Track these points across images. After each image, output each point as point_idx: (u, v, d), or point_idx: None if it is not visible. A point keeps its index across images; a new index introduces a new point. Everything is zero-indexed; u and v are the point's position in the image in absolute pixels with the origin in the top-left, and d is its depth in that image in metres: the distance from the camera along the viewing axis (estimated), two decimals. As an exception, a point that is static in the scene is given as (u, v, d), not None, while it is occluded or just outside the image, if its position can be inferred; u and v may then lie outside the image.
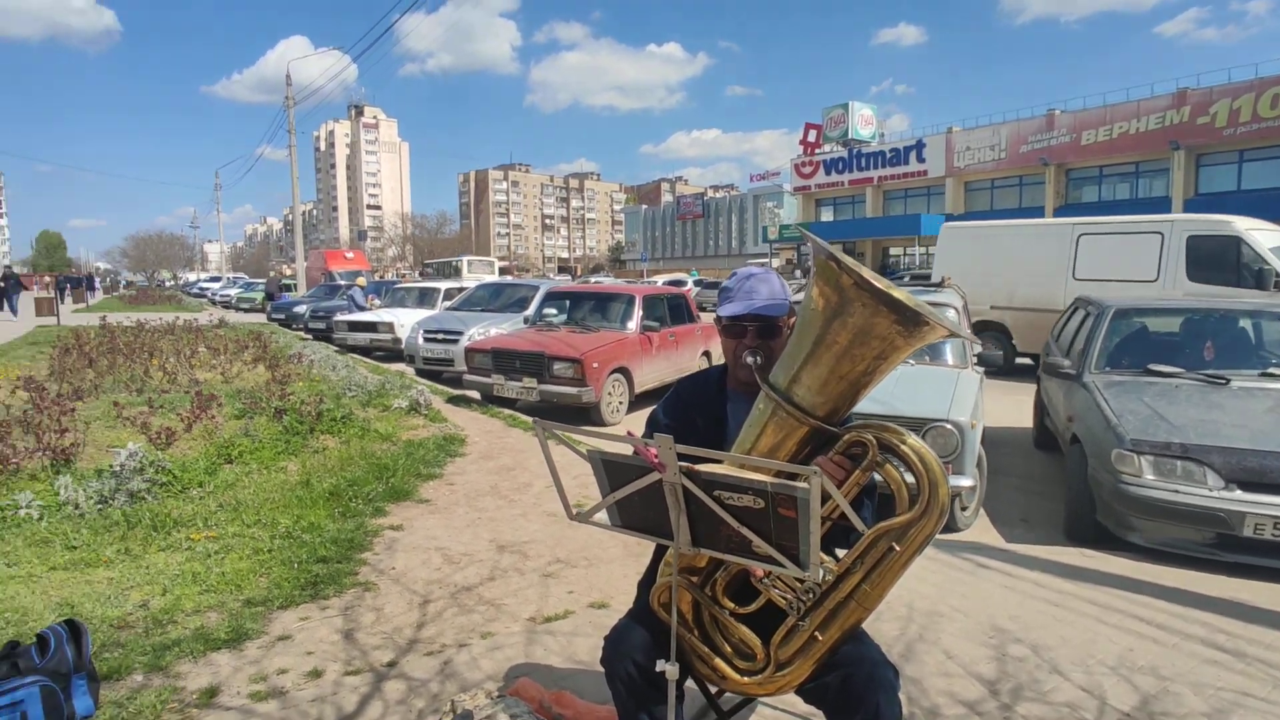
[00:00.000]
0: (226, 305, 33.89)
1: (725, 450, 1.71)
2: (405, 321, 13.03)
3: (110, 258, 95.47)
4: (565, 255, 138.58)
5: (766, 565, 1.38)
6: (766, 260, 53.26)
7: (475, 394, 8.56)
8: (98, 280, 52.04)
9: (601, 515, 1.59)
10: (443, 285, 15.02)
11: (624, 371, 8.03)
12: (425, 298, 14.63)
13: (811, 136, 49.22)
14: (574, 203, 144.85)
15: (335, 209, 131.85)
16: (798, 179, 50.38)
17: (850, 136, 47.04)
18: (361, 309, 15.75)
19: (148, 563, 3.59)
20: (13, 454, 4.51)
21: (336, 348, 13.49)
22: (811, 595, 1.63)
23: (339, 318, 14.39)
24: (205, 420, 5.96)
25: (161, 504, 4.28)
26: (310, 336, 16.18)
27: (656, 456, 1.33)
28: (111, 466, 4.47)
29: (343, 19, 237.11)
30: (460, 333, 10.21)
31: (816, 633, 1.65)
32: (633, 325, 8.51)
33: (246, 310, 29.42)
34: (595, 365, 7.53)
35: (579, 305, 9.28)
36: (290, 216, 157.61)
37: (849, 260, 1.51)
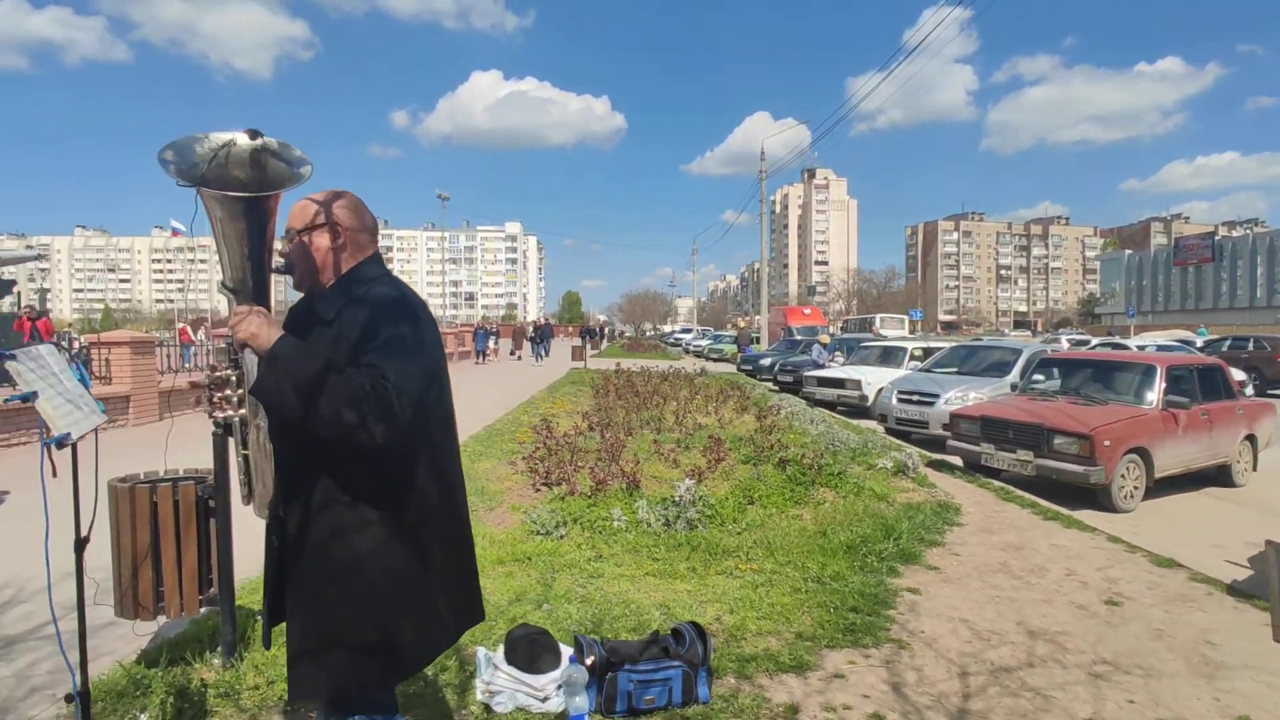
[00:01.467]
0: (699, 355, 38.58)
1: None
2: (872, 380, 13.33)
3: (609, 312, 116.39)
4: (1023, 308, 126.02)
5: None
6: (1318, 315, 41.00)
7: (956, 460, 8.34)
8: (606, 331, 63.84)
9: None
10: (909, 344, 14.99)
11: (1142, 452, 7.02)
12: (889, 356, 14.76)
13: (1401, 151, 36.80)
14: (1035, 251, 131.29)
15: (786, 266, 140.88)
16: (1375, 209, 37.98)
17: None
18: (819, 365, 16.57)
19: (711, 583, 4.33)
20: (605, 476, 5.86)
21: (805, 401, 14.38)
22: None
23: (808, 373, 15.35)
24: (723, 464, 6.94)
25: (709, 533, 5.12)
26: (778, 389, 17.52)
27: None
28: (672, 496, 5.51)
29: (800, 90, 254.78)
30: (937, 396, 10.07)
31: None
32: (1153, 399, 7.41)
33: (715, 360, 33.03)
34: (1107, 443, 6.74)
35: (1077, 373, 8.43)
36: (745, 274, 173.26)
37: None
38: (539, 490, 6.32)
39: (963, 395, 9.93)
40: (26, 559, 4.61)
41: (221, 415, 1.57)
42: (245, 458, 1.62)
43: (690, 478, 6.29)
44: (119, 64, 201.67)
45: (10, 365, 1.67)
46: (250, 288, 1.59)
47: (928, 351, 14.70)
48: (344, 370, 1.51)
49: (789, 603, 4.02)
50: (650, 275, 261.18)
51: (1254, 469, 8.34)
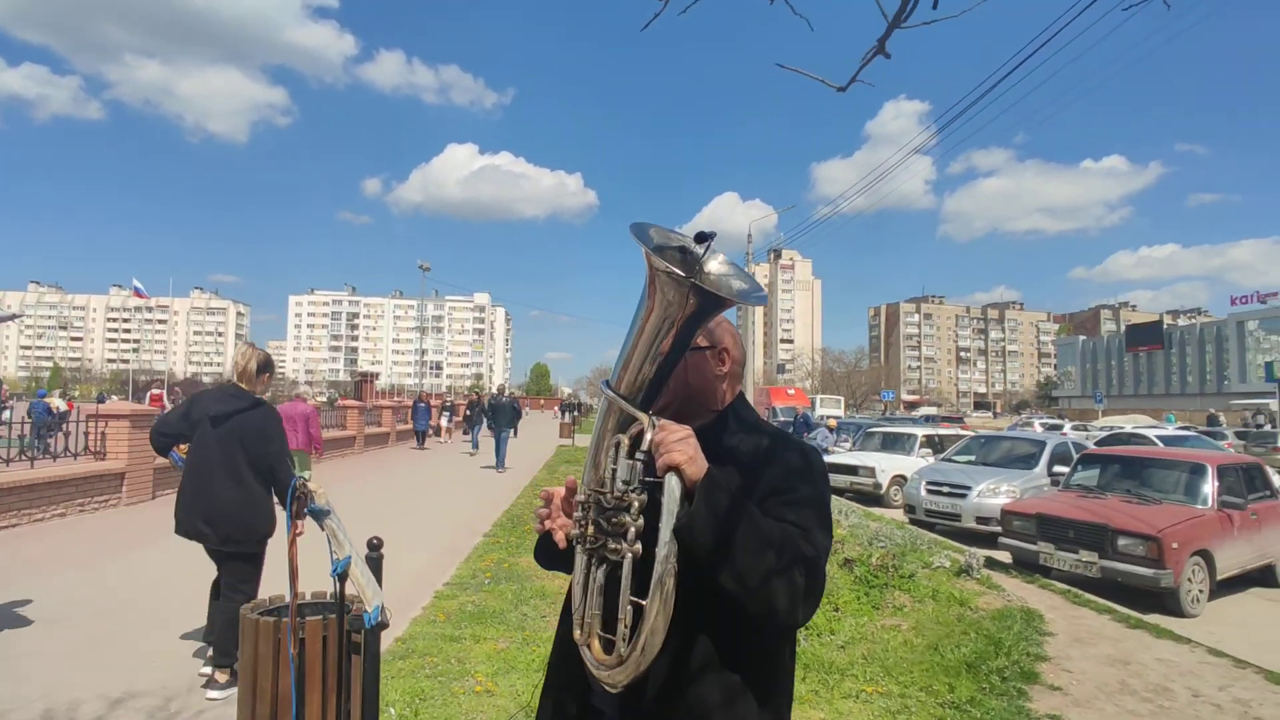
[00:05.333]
0: (676, 431, 38.26)
1: None
2: (886, 467, 13.21)
3: (577, 385, 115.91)
4: (982, 390, 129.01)
5: None
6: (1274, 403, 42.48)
7: (1002, 556, 8.14)
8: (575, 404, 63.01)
9: None
10: (919, 431, 14.98)
11: (1205, 555, 6.92)
12: (898, 443, 14.70)
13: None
14: (993, 334, 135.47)
15: (752, 344, 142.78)
16: (1322, 303, 40.10)
17: None
18: (825, 450, 16.44)
19: (842, 709, 3.97)
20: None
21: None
22: None
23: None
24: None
25: (811, 647, 4.78)
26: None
27: None
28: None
29: (767, 171, 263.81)
30: (969, 488, 9.94)
31: None
32: (1208, 499, 7.35)
33: (697, 438, 32.76)
34: (1175, 545, 6.62)
35: (1123, 470, 8.37)
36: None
37: None
38: (602, 591, 5.93)
39: (995, 488, 9.81)
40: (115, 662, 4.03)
41: (616, 549, 1.28)
42: (637, 607, 1.30)
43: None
44: (89, 121, 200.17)
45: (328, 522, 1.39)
46: (644, 395, 1.34)
47: (933, 439, 14.69)
48: (778, 525, 1.27)
49: (937, 735, 3.70)
50: (616, 349, 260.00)
51: (1296, 569, 8.27)
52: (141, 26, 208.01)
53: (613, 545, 1.27)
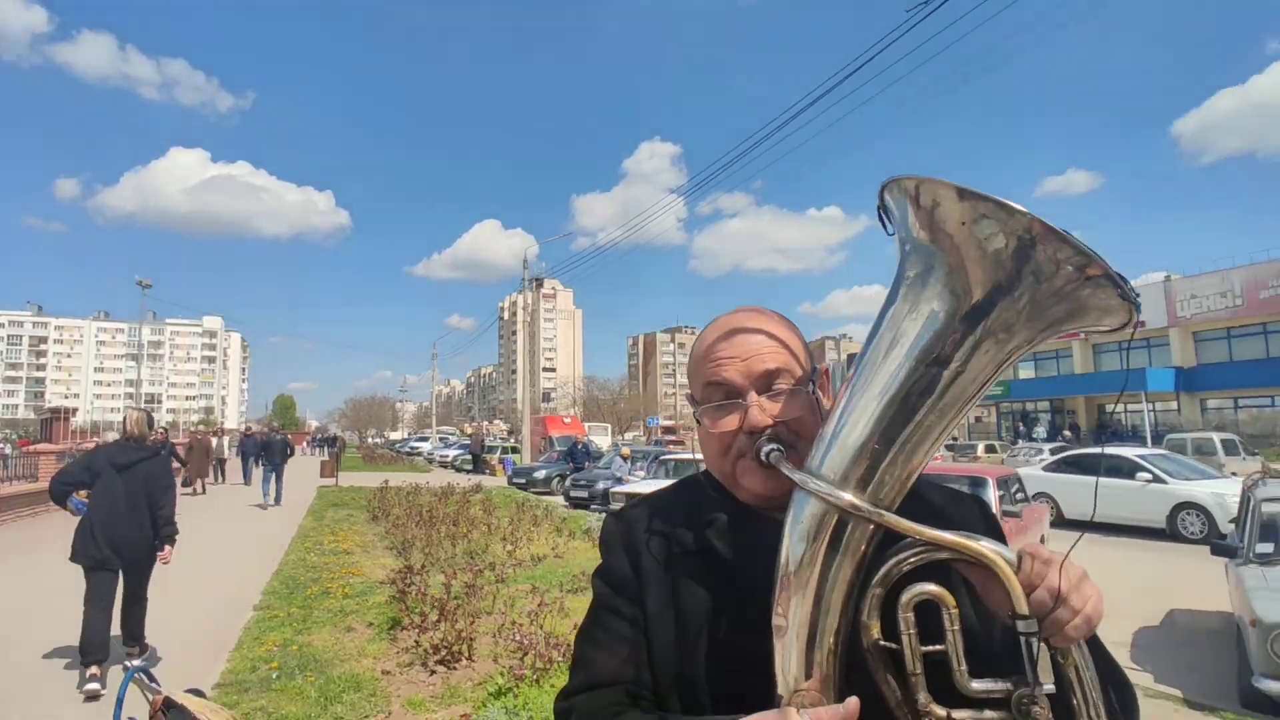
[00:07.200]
0: (445, 465, 36.25)
1: None
2: (685, 494, 13.21)
3: (330, 418, 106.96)
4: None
5: None
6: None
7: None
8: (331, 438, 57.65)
9: None
10: (711, 457, 15.25)
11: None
12: (681, 469, 14.87)
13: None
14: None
15: (515, 372, 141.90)
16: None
17: (1048, 291, 45.39)
18: (620, 480, 16.25)
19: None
20: (528, 642, 4.70)
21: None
22: None
23: (615, 489, 14.83)
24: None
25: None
26: (569, 505, 16.56)
27: None
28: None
29: (527, 203, 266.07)
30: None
31: None
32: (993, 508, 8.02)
33: (469, 472, 30.90)
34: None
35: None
36: (472, 380, 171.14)
37: None
38: (433, 671, 4.93)
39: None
40: None
41: None
42: None
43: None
44: None
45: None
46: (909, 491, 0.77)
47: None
48: None
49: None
50: (368, 379, 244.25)
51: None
52: None
53: None
